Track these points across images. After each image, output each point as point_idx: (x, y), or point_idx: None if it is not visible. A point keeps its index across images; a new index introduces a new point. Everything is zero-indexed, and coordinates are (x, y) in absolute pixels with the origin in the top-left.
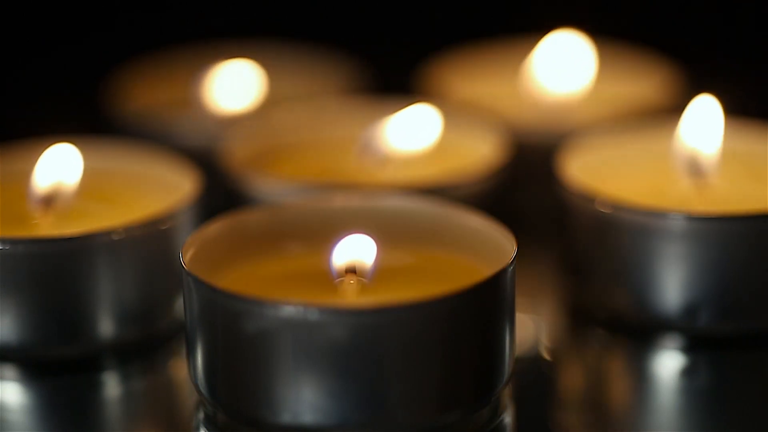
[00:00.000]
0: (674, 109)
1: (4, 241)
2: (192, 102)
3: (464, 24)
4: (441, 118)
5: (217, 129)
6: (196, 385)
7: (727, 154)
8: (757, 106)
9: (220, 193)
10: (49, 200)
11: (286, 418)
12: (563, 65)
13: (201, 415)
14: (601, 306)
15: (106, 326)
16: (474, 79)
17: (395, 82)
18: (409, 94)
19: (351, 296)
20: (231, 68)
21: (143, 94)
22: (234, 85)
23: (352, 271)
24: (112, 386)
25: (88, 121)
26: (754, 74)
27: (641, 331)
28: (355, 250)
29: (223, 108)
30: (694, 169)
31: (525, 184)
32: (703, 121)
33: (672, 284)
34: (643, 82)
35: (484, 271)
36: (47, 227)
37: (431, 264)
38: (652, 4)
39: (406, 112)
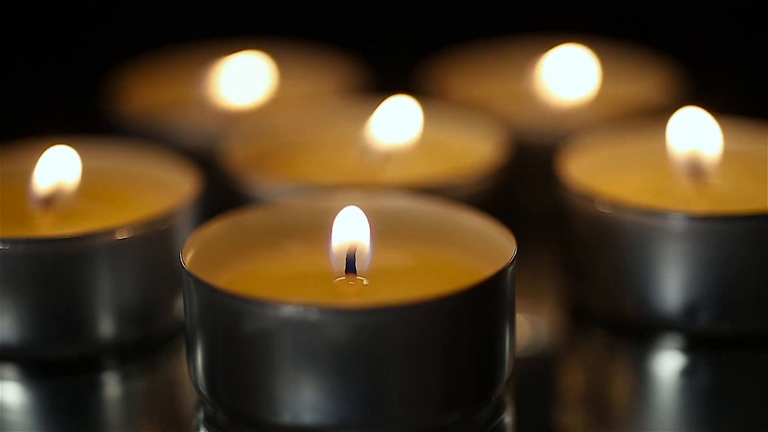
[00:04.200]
0: (674, 110)
1: (4, 241)
2: (193, 101)
3: (464, 24)
4: (421, 111)
5: (218, 129)
6: (196, 385)
7: (726, 154)
8: (757, 106)
9: (220, 193)
10: (49, 200)
11: (286, 418)
12: (566, 76)
13: (201, 415)
14: (601, 306)
15: (106, 326)
16: (474, 79)
17: (395, 82)
18: (409, 94)
19: (351, 296)
20: (231, 67)
21: (143, 94)
22: (234, 85)
23: (351, 258)
24: (112, 386)
25: (88, 121)
26: (754, 74)
27: (641, 331)
28: (353, 236)
29: (224, 107)
30: (694, 169)
31: (525, 184)
32: (699, 126)
33: (672, 284)
34: (644, 83)
35: (484, 271)
36: (47, 227)
37: (431, 264)
38: (653, 6)
39: (387, 108)
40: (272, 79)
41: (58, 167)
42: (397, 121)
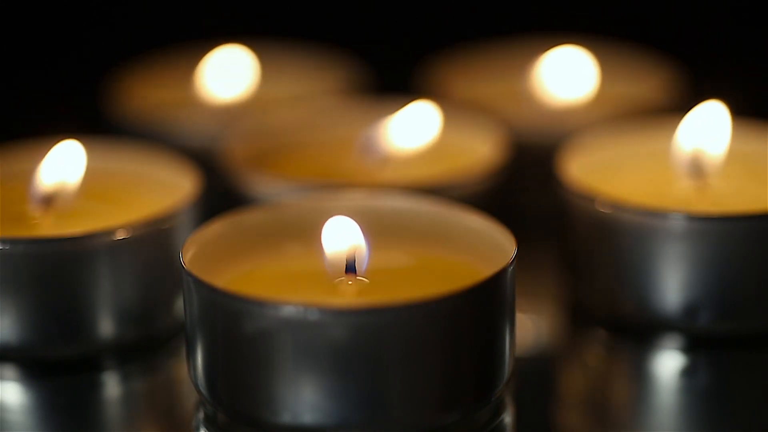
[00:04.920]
0: (675, 110)
1: (4, 241)
2: (192, 101)
3: (464, 24)
4: (440, 117)
5: (218, 129)
6: (196, 385)
7: (727, 154)
8: (758, 106)
9: (220, 193)
10: (50, 200)
11: (286, 418)
12: (565, 76)
13: (201, 415)
14: (601, 306)
15: (106, 326)
16: (474, 79)
17: (395, 82)
18: (409, 94)
19: (351, 296)
20: (231, 67)
21: (143, 94)
22: (233, 85)
23: (351, 259)
24: (112, 386)
25: (89, 121)
26: (755, 74)
27: (641, 331)
28: (350, 239)
29: (224, 107)
30: (695, 169)
31: (525, 184)
32: (709, 124)
33: (672, 284)
34: (644, 83)
35: (484, 271)
36: (47, 227)
37: (431, 264)
38: (652, 5)
39: (405, 111)
40: (272, 79)
41: (62, 165)
42: (412, 126)
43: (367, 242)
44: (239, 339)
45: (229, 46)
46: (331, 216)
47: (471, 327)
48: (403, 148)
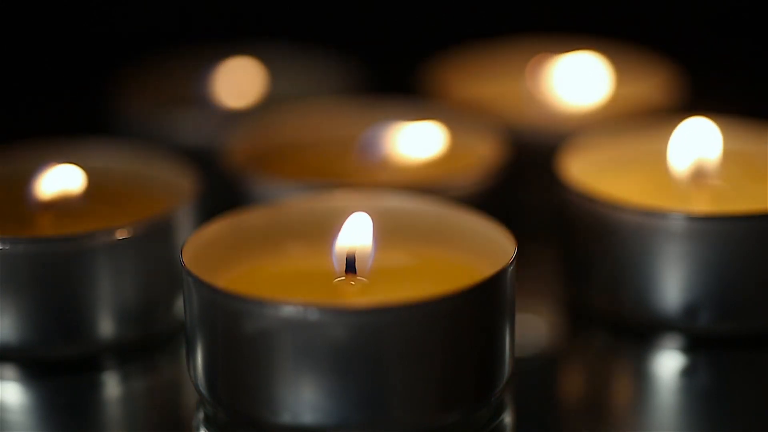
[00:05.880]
0: (674, 110)
1: (4, 241)
2: (193, 101)
3: (464, 24)
4: (442, 124)
5: (218, 128)
6: (196, 385)
7: (727, 154)
8: (757, 106)
9: (220, 193)
10: (51, 205)
11: (286, 418)
12: (566, 77)
13: (201, 415)
14: (601, 306)
15: (106, 326)
16: (474, 79)
17: (395, 82)
18: (409, 94)
19: (351, 296)
20: (231, 67)
21: (143, 93)
22: (234, 85)
23: (352, 258)
24: (112, 386)
25: (89, 121)
26: (754, 75)
27: (641, 331)
28: (355, 237)
29: (224, 107)
30: (694, 169)
31: (525, 184)
32: (706, 125)
33: (672, 284)
34: (644, 84)
35: (484, 271)
36: (47, 227)
37: (431, 264)
38: (652, 7)
39: (411, 126)
40: (272, 79)
41: (60, 181)
42: (417, 140)
43: (373, 243)
44: (239, 339)
45: (234, 59)
46: (331, 216)
47: (471, 327)
48: (405, 156)
